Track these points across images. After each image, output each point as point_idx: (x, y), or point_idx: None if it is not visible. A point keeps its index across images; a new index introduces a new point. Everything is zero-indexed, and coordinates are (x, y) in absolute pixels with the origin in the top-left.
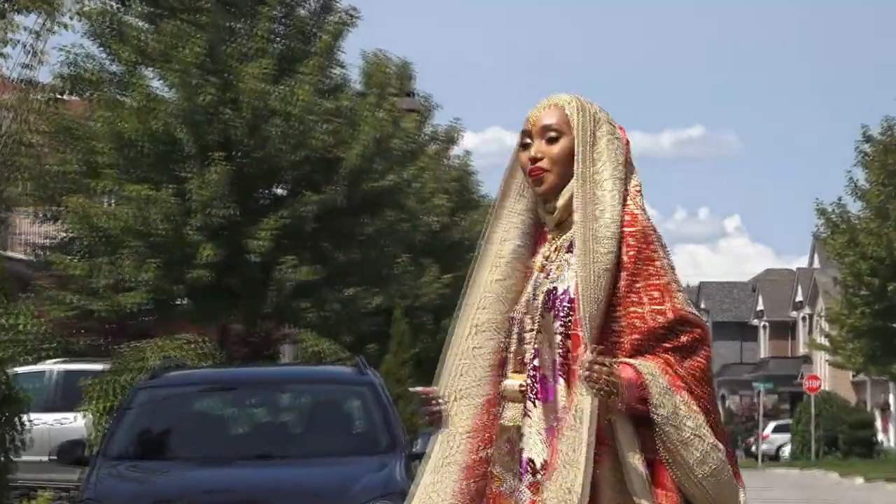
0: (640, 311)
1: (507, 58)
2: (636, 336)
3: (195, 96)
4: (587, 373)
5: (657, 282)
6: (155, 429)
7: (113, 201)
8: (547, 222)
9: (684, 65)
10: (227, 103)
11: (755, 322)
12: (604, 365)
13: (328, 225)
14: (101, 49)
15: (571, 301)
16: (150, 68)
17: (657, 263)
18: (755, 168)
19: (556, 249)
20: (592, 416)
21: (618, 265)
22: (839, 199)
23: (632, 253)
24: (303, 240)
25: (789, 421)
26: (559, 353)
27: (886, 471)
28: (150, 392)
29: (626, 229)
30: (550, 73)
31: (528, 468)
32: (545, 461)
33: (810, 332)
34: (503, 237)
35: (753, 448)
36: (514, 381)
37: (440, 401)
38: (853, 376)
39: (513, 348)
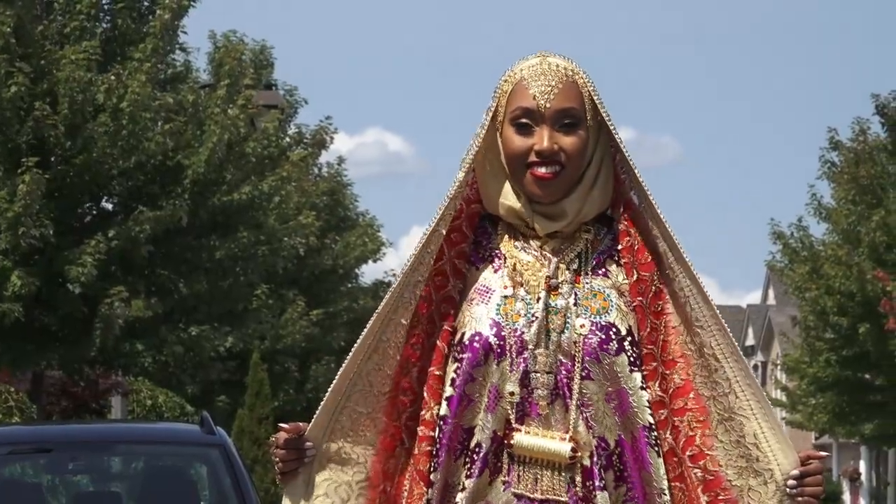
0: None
1: (390, 45)
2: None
3: (0, 88)
4: (798, 490)
5: None
6: None
7: None
8: (539, 228)
9: (606, 56)
10: (41, 96)
11: None
12: (819, 473)
13: (168, 248)
14: None
15: (635, 344)
16: None
17: None
18: (696, 180)
19: (557, 264)
20: None
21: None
22: (799, 219)
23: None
24: (136, 267)
25: None
26: (615, 412)
27: None
28: None
29: None
30: (446, 63)
31: None
32: None
33: (763, 383)
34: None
35: None
36: (554, 443)
37: (307, 446)
38: (816, 439)
39: (511, 389)
